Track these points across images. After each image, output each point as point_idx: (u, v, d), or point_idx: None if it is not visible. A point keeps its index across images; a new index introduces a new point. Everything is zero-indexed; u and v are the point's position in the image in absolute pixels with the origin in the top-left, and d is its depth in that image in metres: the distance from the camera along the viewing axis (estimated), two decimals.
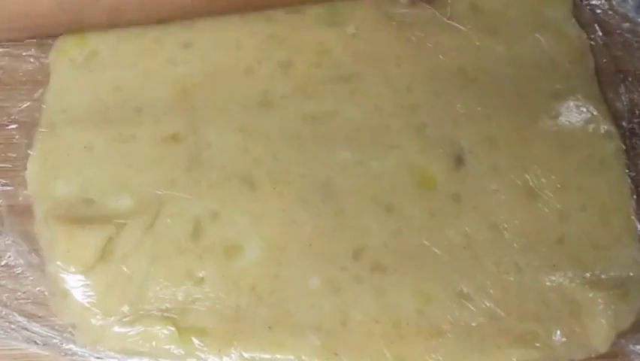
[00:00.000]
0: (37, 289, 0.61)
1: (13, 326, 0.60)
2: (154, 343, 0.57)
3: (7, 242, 0.63)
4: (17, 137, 0.67)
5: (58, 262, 0.60)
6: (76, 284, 0.59)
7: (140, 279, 0.59)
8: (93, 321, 0.58)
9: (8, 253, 0.62)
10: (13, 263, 0.62)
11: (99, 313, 0.58)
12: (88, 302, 0.59)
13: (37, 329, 0.60)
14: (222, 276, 0.59)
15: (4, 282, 0.62)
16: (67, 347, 0.59)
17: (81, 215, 0.62)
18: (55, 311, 0.60)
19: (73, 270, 0.60)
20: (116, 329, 0.58)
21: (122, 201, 0.62)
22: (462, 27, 0.69)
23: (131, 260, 0.60)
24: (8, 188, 0.65)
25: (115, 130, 0.65)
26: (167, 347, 0.57)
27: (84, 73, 0.68)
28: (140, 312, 0.58)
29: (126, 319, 0.58)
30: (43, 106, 0.67)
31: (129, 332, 0.58)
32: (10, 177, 0.65)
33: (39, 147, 0.65)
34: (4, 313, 0.60)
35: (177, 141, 0.65)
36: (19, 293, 0.61)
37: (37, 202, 0.63)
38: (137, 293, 0.59)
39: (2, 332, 0.60)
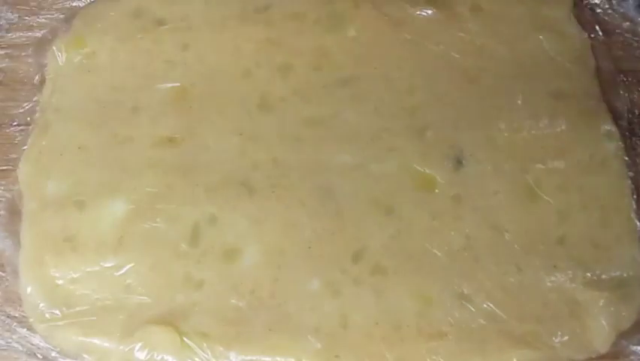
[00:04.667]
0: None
1: (14, 337, 0.60)
2: (154, 348, 0.57)
3: (10, 246, 0.62)
4: (18, 138, 0.68)
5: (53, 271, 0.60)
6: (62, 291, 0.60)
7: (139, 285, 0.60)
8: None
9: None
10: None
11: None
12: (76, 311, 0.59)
13: (37, 341, 0.60)
14: (222, 280, 0.59)
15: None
16: None
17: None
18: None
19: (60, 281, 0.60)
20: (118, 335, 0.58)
21: (116, 205, 0.62)
22: (463, 28, 0.69)
23: (127, 266, 0.60)
24: (10, 189, 0.65)
25: (110, 131, 0.65)
26: (168, 351, 0.57)
27: (81, 73, 0.68)
28: (139, 320, 0.58)
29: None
30: (39, 105, 0.68)
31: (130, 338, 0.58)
32: (13, 177, 0.65)
33: (32, 145, 0.65)
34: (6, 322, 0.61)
35: (174, 144, 0.65)
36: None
37: (26, 201, 0.63)
38: (135, 302, 0.59)
39: (3, 342, 0.60)
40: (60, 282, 0.60)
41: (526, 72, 0.67)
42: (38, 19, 0.73)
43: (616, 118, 0.66)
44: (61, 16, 0.73)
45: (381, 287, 0.59)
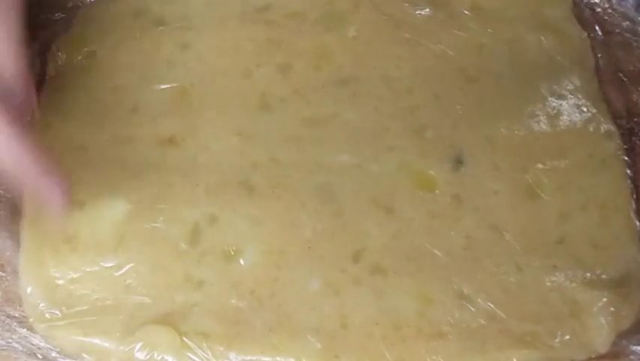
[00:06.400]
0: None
1: (14, 337, 0.60)
2: (154, 348, 0.57)
3: (10, 246, 0.62)
4: None
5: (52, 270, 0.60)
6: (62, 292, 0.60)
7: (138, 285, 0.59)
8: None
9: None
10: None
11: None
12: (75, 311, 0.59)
13: (37, 341, 0.60)
14: (222, 279, 0.59)
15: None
16: None
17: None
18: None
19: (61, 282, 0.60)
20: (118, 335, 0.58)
21: (116, 205, 0.62)
22: (462, 27, 0.69)
23: (127, 266, 0.60)
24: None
25: (110, 131, 0.65)
26: (168, 351, 0.57)
27: (81, 73, 0.68)
28: (139, 320, 0.58)
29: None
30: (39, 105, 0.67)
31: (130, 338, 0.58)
32: None
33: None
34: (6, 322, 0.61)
35: (174, 144, 0.65)
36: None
37: (26, 201, 0.63)
38: (135, 302, 0.59)
39: (3, 342, 0.60)
40: (60, 282, 0.60)
41: (526, 72, 0.67)
42: (38, 19, 0.73)
43: (616, 118, 0.66)
44: (62, 16, 0.73)
45: (382, 287, 0.59)
